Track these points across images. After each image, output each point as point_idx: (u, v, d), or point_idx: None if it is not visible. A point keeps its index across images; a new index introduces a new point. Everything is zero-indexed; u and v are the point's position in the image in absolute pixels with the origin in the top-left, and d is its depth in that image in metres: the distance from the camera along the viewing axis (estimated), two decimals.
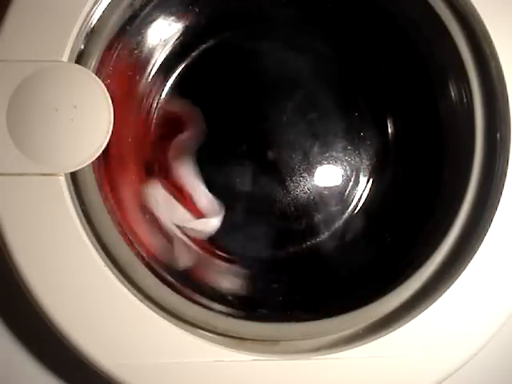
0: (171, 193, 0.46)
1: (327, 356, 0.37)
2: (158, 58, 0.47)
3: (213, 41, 0.48)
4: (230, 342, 0.37)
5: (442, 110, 0.45)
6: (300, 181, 0.47)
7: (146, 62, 0.46)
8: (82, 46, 0.37)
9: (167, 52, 0.47)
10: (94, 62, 0.38)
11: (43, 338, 0.37)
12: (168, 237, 0.45)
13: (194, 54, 0.48)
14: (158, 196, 0.46)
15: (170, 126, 0.48)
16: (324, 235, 0.48)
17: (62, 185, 0.35)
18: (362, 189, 0.48)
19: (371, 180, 0.48)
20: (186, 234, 0.46)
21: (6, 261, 0.35)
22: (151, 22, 0.45)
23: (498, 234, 0.38)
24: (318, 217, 0.47)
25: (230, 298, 0.44)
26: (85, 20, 0.37)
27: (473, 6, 0.39)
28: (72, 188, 0.36)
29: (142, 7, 0.42)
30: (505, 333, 0.40)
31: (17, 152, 0.35)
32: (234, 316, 0.39)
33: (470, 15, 0.39)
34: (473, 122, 0.40)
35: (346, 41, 0.48)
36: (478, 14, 0.39)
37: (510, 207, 0.38)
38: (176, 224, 0.46)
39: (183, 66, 0.48)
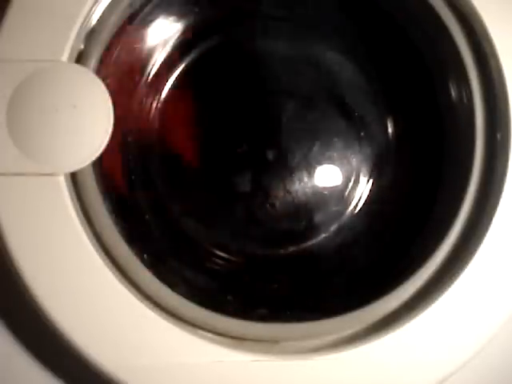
0: None
1: (327, 356, 0.36)
2: (158, 58, 0.47)
3: (213, 40, 0.48)
4: (229, 343, 0.37)
5: (441, 109, 0.45)
6: (300, 181, 0.47)
7: (145, 61, 0.46)
8: (82, 46, 0.37)
9: (167, 51, 0.47)
10: (93, 61, 0.38)
11: (43, 338, 0.37)
12: None
13: (194, 53, 0.48)
14: None
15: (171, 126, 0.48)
16: (324, 235, 0.47)
17: (62, 185, 0.35)
18: (362, 189, 0.48)
19: (371, 180, 0.48)
20: None
21: (5, 261, 0.35)
22: (151, 21, 0.45)
23: (498, 233, 0.38)
24: (318, 217, 0.47)
25: (229, 297, 0.44)
26: (84, 19, 0.37)
27: (473, 5, 0.39)
28: (72, 188, 0.36)
29: (142, 7, 0.42)
30: (505, 333, 0.40)
31: (16, 152, 0.35)
32: (233, 316, 0.39)
33: (470, 14, 0.39)
34: (473, 122, 0.40)
35: (345, 40, 0.48)
36: (478, 13, 0.39)
37: (510, 207, 0.38)
38: None
39: (183, 65, 0.48)
